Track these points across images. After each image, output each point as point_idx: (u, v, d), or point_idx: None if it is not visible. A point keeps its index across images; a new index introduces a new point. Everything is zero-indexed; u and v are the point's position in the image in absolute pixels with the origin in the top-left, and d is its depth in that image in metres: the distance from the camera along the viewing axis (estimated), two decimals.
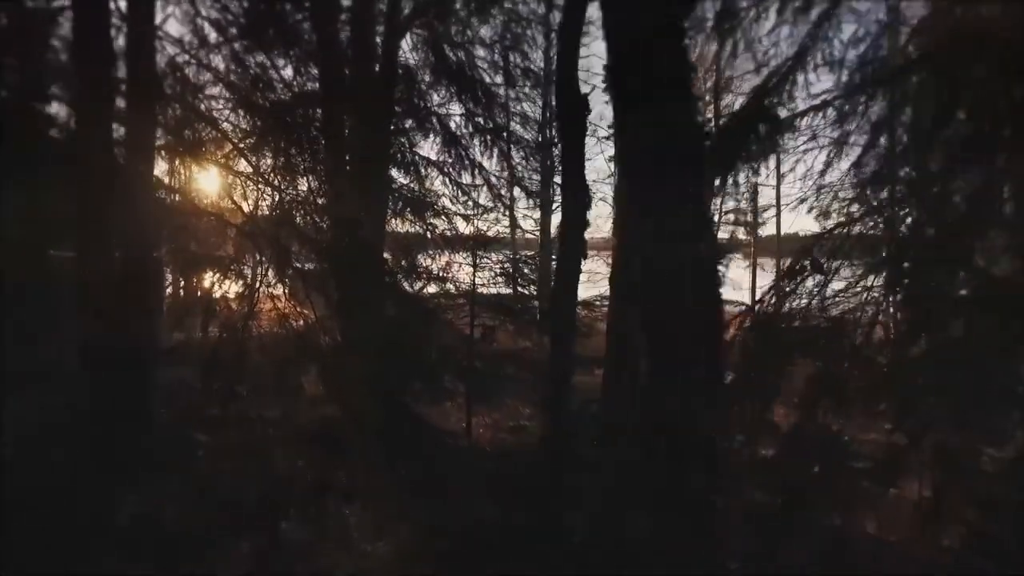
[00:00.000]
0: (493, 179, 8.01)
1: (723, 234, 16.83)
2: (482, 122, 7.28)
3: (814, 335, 3.37)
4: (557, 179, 10.38)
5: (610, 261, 14.62)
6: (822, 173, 3.80)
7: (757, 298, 3.84)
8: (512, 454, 6.22)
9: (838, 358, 3.30)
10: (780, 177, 14.56)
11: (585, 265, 15.44)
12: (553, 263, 9.36)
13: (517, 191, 9.57)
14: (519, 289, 8.42)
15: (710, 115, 16.99)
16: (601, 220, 16.23)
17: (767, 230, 17.45)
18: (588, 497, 3.84)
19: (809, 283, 3.45)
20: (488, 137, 7.40)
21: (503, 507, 4.35)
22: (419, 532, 4.15)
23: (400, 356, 6.55)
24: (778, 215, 16.77)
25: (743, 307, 4.21)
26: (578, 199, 4.39)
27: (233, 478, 4.72)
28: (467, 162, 7.29)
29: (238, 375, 5.76)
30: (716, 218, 15.16)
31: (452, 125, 7.37)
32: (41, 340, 5.90)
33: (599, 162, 18.31)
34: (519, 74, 7.82)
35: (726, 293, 3.45)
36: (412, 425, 5.73)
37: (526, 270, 8.53)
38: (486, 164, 7.80)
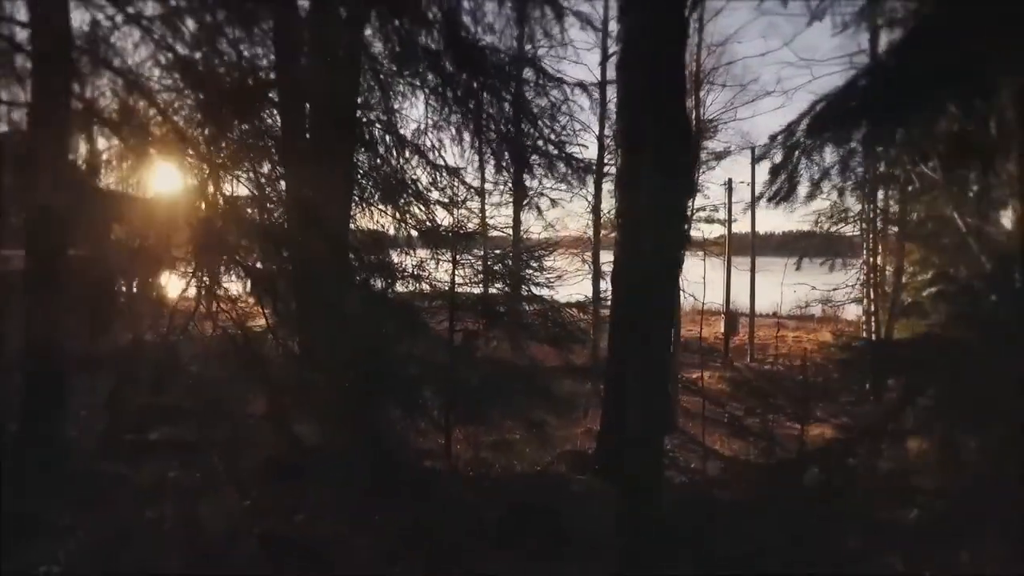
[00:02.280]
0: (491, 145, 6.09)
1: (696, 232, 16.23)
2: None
3: None
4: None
5: (589, 258, 13.67)
6: None
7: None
8: (510, 484, 5.26)
9: None
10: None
11: (567, 263, 14.12)
12: (523, 258, 8.28)
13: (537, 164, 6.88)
14: (493, 289, 7.44)
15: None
16: (571, 218, 15.35)
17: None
18: None
19: None
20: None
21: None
22: None
23: (369, 367, 5.54)
24: (753, 209, 16.10)
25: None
26: (671, 157, 3.13)
27: (157, 530, 3.60)
28: (467, 118, 5.57)
29: (162, 390, 4.64)
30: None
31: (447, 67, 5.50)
32: None
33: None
34: None
35: None
36: (388, 453, 4.71)
37: (509, 263, 7.60)
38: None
